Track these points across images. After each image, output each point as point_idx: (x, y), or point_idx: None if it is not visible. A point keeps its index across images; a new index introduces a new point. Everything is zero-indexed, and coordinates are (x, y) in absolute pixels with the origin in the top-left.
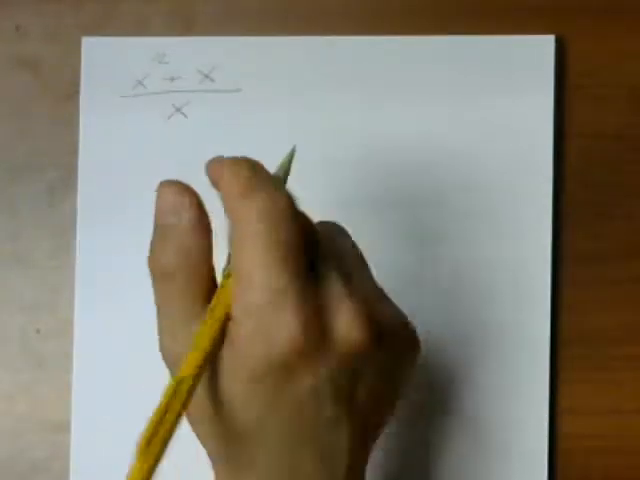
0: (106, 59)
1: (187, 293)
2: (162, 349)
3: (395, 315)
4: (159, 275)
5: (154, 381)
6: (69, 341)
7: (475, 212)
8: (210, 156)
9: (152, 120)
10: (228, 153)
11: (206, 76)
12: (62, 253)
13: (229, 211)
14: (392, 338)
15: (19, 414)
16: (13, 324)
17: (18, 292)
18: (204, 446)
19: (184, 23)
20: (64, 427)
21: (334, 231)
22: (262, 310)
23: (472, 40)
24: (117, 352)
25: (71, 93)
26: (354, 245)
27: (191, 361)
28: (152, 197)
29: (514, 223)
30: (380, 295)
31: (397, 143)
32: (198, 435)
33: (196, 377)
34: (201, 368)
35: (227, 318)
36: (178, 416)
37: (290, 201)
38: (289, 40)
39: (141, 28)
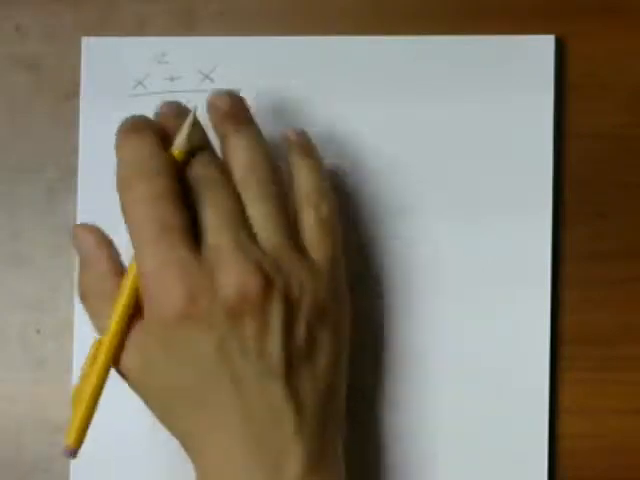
0: (106, 59)
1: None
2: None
3: (296, 263)
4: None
5: None
6: (69, 341)
7: (475, 212)
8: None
9: None
10: None
11: (206, 76)
12: (62, 253)
13: (120, 200)
14: (287, 284)
15: (19, 414)
16: (13, 324)
17: (18, 292)
18: (147, 404)
19: (184, 23)
20: (64, 427)
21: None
22: (150, 279)
23: (472, 40)
24: None
25: (71, 93)
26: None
27: (110, 326)
28: None
29: (514, 223)
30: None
31: (397, 143)
32: (141, 397)
33: (112, 338)
34: (116, 332)
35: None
36: (101, 371)
37: (166, 182)
38: (289, 40)
39: (141, 28)
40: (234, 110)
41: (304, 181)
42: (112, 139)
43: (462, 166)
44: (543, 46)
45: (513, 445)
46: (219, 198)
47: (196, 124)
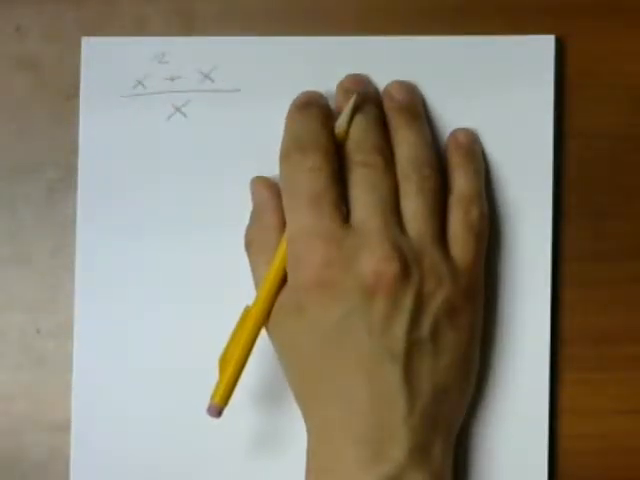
0: (106, 59)
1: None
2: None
3: (430, 253)
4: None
5: (154, 381)
6: (69, 341)
7: None
8: (210, 156)
9: (152, 120)
10: (228, 153)
11: (206, 76)
12: (62, 253)
13: (279, 168)
14: (420, 275)
15: (19, 414)
16: (13, 324)
17: (18, 292)
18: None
19: (184, 23)
20: (64, 427)
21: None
22: (295, 244)
23: (472, 40)
24: (117, 352)
25: (71, 93)
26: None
27: (258, 296)
28: (152, 197)
29: (514, 223)
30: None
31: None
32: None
33: (260, 308)
34: (263, 302)
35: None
36: (251, 337)
37: (324, 158)
38: (289, 40)
39: (141, 28)
40: (409, 104)
41: (461, 183)
42: (112, 139)
43: None
44: (543, 46)
45: (513, 445)
46: (377, 181)
47: (368, 107)
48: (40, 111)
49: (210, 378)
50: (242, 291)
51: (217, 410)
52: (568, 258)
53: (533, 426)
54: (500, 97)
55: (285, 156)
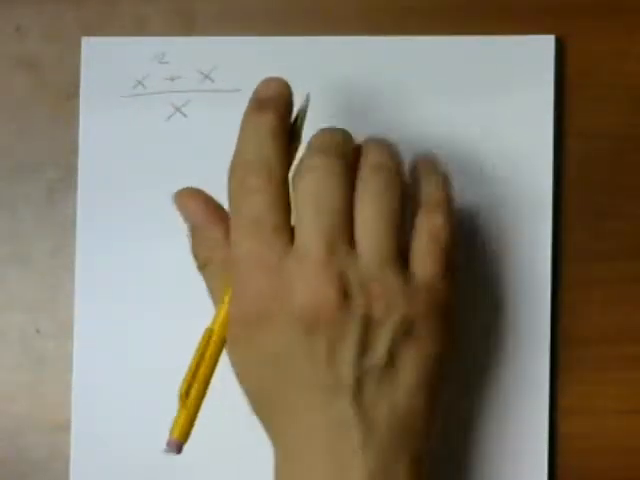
0: (106, 59)
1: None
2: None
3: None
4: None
5: (154, 381)
6: (69, 341)
7: (475, 212)
8: (210, 156)
9: (152, 120)
10: (228, 153)
11: (206, 76)
12: (62, 253)
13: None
14: (362, 302)
15: (19, 414)
16: (13, 324)
17: (18, 292)
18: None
19: (184, 23)
20: (64, 427)
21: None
22: (235, 270)
23: (472, 40)
24: (117, 352)
25: (71, 93)
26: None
27: (218, 314)
28: (152, 197)
29: (514, 223)
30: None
31: (396, 143)
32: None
33: (222, 328)
34: (225, 322)
35: None
36: (211, 365)
37: (272, 176)
38: (289, 40)
39: (141, 28)
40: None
41: (427, 192)
42: (112, 139)
43: (462, 166)
44: (543, 46)
45: (513, 445)
46: (325, 191)
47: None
48: (40, 111)
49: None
50: None
51: (178, 446)
52: (568, 258)
53: (533, 426)
54: (500, 97)
55: (230, 171)
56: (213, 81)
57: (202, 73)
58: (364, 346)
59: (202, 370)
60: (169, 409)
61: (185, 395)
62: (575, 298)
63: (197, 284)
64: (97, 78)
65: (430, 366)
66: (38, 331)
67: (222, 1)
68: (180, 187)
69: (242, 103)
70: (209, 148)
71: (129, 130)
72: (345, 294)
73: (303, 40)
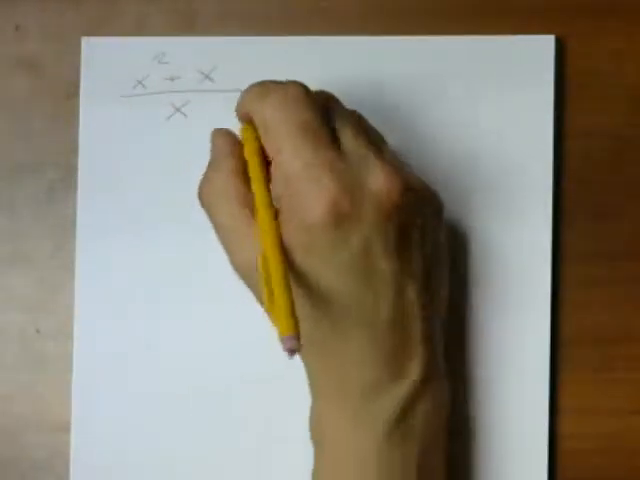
0: (106, 59)
1: (234, 208)
2: (237, 267)
3: (416, 176)
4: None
5: (154, 381)
6: (69, 341)
7: (475, 212)
8: (210, 156)
9: (152, 120)
10: None
11: (206, 76)
12: (62, 253)
13: (254, 114)
14: (419, 194)
15: (19, 414)
16: (13, 324)
17: (18, 292)
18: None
19: (184, 23)
20: (64, 427)
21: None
22: (298, 181)
23: (472, 40)
24: (117, 352)
25: (71, 93)
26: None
27: (263, 241)
28: (152, 197)
29: (514, 223)
30: (400, 161)
31: (396, 143)
32: None
33: (274, 248)
34: (273, 244)
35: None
36: (280, 267)
37: (301, 88)
38: (289, 40)
39: (141, 28)
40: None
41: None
42: (112, 139)
43: (462, 165)
44: (543, 46)
45: (513, 445)
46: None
47: None
48: (40, 111)
49: (210, 378)
50: (242, 291)
51: (292, 340)
52: (568, 258)
53: (533, 426)
54: (500, 97)
55: (259, 96)
56: (213, 81)
57: (202, 73)
58: (424, 235)
59: (277, 274)
60: (169, 409)
61: (270, 302)
62: (575, 298)
63: (197, 284)
64: (97, 78)
65: (446, 243)
66: (38, 331)
67: (222, 1)
68: (180, 187)
69: None
70: (209, 148)
71: (129, 130)
72: (407, 183)
73: (303, 40)
